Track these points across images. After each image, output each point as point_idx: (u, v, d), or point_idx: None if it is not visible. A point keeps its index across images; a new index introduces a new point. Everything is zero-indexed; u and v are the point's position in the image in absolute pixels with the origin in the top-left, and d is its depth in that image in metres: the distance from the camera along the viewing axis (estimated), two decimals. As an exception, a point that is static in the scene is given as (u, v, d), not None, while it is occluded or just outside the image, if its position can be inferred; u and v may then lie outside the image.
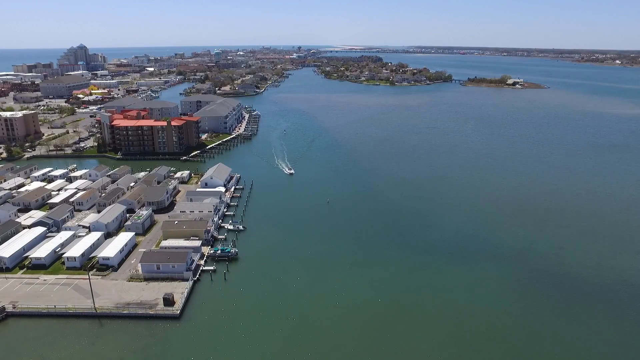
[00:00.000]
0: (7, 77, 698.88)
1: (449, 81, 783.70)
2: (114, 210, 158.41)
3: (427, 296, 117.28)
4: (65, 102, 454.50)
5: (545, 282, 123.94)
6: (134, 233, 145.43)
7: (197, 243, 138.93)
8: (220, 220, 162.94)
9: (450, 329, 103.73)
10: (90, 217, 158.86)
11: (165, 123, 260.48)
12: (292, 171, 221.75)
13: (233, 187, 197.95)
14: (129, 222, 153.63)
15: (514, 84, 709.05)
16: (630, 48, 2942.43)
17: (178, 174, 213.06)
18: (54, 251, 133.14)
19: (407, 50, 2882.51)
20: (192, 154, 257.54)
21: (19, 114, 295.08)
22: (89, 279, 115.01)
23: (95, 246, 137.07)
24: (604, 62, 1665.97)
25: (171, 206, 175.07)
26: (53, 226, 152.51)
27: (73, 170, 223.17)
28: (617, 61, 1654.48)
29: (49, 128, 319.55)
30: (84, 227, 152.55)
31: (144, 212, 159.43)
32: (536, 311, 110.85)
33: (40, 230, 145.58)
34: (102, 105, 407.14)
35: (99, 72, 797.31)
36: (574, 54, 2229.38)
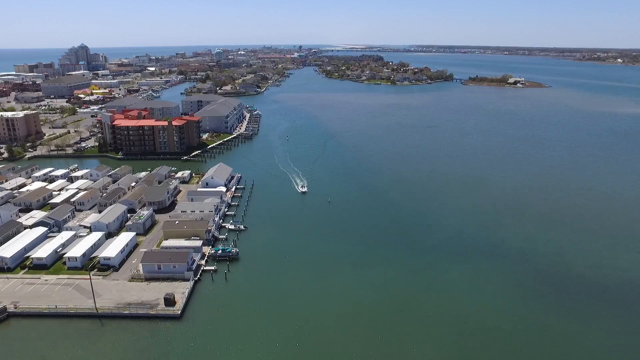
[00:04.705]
0: (9, 77, 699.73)
1: (450, 80, 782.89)
2: (115, 210, 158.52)
3: (428, 296, 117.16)
4: (67, 102, 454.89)
5: (547, 282, 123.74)
6: (135, 233, 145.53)
7: (198, 243, 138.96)
8: (221, 220, 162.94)
9: (452, 329, 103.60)
10: (91, 217, 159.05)
11: (166, 123, 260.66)
12: (305, 189, 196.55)
13: (234, 187, 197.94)
14: (130, 222, 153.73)
15: (515, 83, 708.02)
16: (632, 47, 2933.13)
17: (179, 174, 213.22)
18: (55, 251, 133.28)
19: (408, 49, 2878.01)
20: (193, 154, 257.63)
21: (20, 114, 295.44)
22: (90, 279, 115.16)
23: (96, 246, 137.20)
24: (606, 61, 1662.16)
25: (172, 206, 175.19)
26: (54, 226, 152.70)
27: (74, 170, 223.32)
28: (619, 60, 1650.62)
29: (50, 128, 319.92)
30: (85, 227, 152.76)
31: (145, 212, 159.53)
32: (538, 311, 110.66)
33: (41, 230, 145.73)
34: (103, 105, 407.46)
35: (100, 72, 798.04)
36: (575, 53, 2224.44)
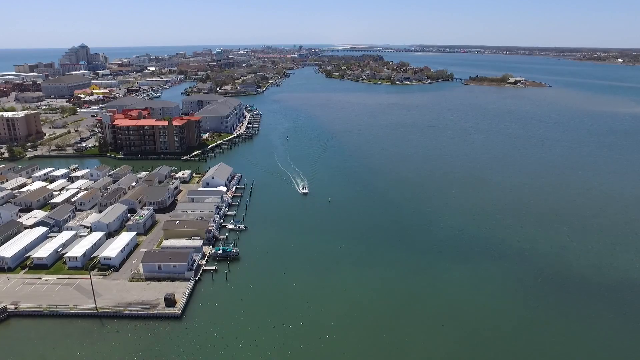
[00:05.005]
0: (9, 77, 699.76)
1: (450, 80, 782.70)
2: (115, 210, 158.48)
3: (429, 296, 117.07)
4: (67, 101, 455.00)
5: (547, 282, 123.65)
6: (135, 233, 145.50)
7: (199, 243, 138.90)
8: (222, 220, 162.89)
9: (452, 329, 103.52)
10: (92, 217, 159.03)
11: (166, 123, 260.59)
12: (306, 190, 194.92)
13: (234, 187, 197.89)
14: (130, 222, 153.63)
15: (516, 82, 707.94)
16: (633, 46, 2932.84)
17: (179, 174, 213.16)
18: (56, 251, 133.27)
19: (408, 49, 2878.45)
20: (193, 154, 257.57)
21: (21, 113, 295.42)
22: (91, 279, 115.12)
23: (96, 246, 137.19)
24: (606, 61, 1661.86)
25: (172, 206, 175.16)
26: (55, 226, 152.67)
27: (74, 170, 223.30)
28: (619, 59, 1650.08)
29: (50, 128, 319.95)
30: (85, 227, 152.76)
31: (146, 212, 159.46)
32: (539, 311, 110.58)
33: (41, 230, 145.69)
34: (103, 105, 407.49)
35: (101, 72, 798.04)
36: (575, 53, 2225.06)
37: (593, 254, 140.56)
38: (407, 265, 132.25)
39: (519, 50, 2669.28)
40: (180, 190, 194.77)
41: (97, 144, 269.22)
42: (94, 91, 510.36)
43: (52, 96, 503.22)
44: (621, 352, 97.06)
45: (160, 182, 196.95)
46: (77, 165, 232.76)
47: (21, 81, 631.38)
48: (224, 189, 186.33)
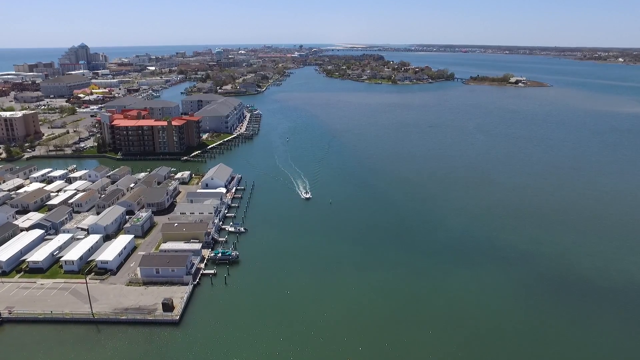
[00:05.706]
0: (8, 76, 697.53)
1: (451, 79, 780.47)
2: (113, 212, 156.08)
3: (431, 298, 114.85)
4: (66, 101, 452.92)
5: (551, 285, 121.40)
6: (133, 236, 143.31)
7: (197, 246, 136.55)
8: (221, 222, 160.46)
9: (454, 332, 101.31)
10: (89, 219, 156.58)
11: (165, 123, 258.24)
12: (309, 195, 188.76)
13: (234, 188, 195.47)
14: (128, 225, 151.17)
15: (517, 82, 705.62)
16: (633, 46, 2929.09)
17: (178, 175, 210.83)
18: (52, 254, 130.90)
19: (409, 48, 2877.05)
20: (192, 154, 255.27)
21: (19, 113, 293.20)
22: (87, 283, 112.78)
23: (93, 249, 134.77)
24: (607, 60, 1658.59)
25: (171, 207, 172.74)
26: (51, 228, 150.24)
27: (73, 171, 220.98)
28: (620, 59, 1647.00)
29: (49, 128, 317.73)
30: (82, 229, 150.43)
31: (144, 214, 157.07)
32: (542, 314, 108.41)
33: (38, 232, 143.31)
34: (102, 105, 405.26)
35: (100, 72, 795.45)
36: (576, 52, 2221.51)
37: (597, 256, 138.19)
38: (409, 267, 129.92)
39: (519, 50, 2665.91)
40: (179, 192, 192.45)
41: (95, 144, 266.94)
42: (93, 91, 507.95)
43: (51, 96, 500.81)
44: (625, 356, 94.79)
45: (159, 183, 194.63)
46: (75, 166, 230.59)
47: (20, 81, 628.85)
48: (223, 190, 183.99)
